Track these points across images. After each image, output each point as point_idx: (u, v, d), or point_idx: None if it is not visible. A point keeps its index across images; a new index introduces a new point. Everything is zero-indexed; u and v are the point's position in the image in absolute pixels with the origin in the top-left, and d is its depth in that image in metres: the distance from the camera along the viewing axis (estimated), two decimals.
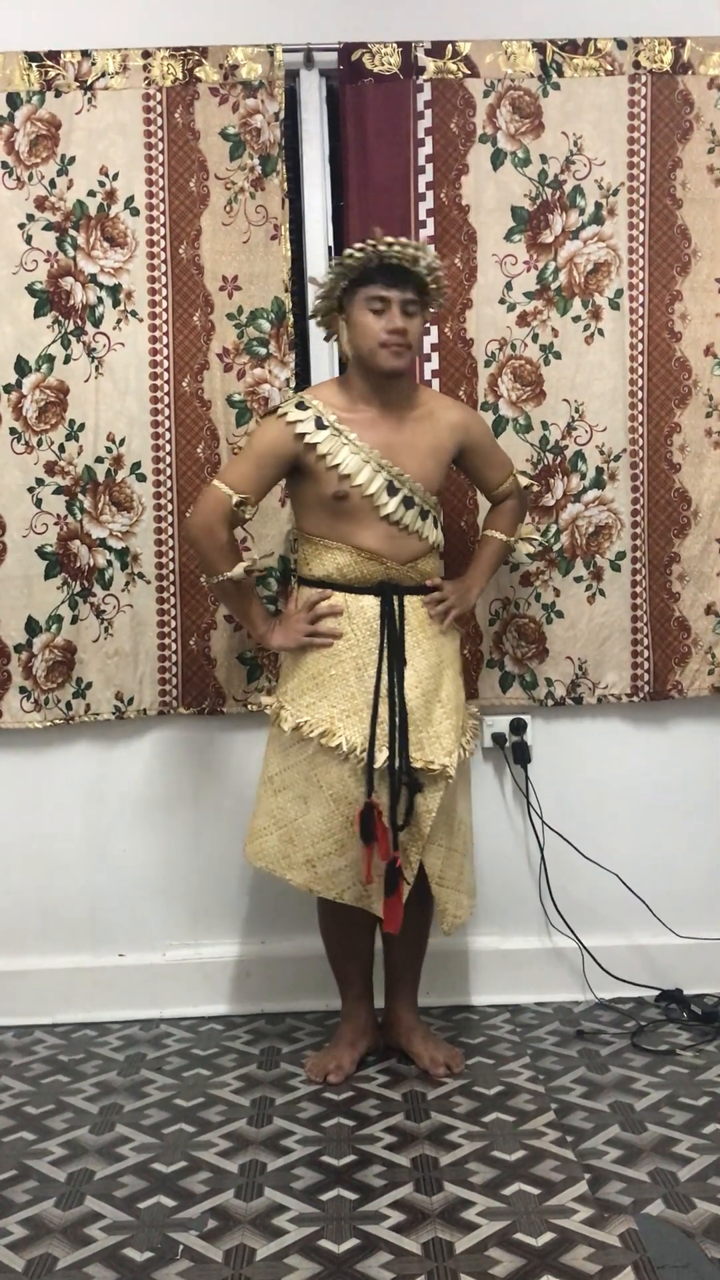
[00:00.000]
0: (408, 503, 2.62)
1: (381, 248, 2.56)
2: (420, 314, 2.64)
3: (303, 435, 2.60)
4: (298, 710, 2.62)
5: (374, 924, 2.77)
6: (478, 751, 3.13)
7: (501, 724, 3.15)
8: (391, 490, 2.61)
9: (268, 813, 2.69)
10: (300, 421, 2.61)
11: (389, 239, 2.57)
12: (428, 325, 2.86)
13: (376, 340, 2.57)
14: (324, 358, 3.13)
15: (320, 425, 2.60)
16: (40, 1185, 2.30)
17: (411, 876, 2.59)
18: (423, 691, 2.60)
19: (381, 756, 2.54)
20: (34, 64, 2.99)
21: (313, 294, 2.78)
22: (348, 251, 2.60)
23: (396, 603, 2.62)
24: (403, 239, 2.60)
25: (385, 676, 2.57)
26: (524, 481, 2.90)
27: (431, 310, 2.76)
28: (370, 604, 2.62)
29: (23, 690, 3.07)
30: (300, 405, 2.64)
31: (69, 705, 3.09)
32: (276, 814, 2.67)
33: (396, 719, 2.55)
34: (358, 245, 2.59)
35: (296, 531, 2.78)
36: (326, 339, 2.87)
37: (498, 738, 3.15)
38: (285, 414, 2.63)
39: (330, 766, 2.59)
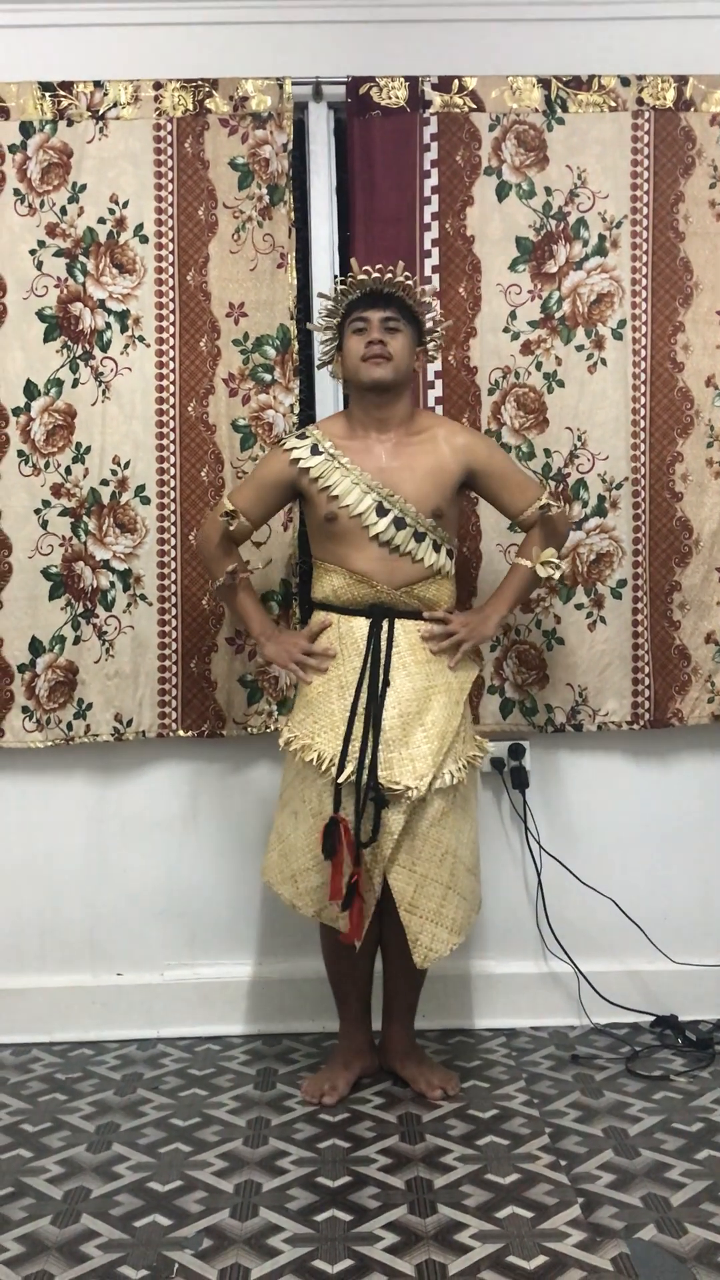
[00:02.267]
0: (399, 524, 2.65)
1: (360, 277, 2.70)
2: (405, 331, 2.71)
3: (297, 461, 2.70)
4: (290, 728, 2.71)
5: (373, 947, 2.78)
6: (477, 779, 3.14)
7: (500, 749, 3.17)
8: (381, 511, 2.65)
9: (275, 829, 2.77)
10: (297, 449, 2.72)
11: (365, 267, 2.72)
12: (433, 354, 2.89)
13: (359, 356, 2.67)
14: (328, 384, 3.17)
15: (315, 451, 2.70)
16: (37, 1203, 2.31)
17: (372, 895, 2.61)
18: (401, 713, 2.62)
19: (349, 770, 2.57)
20: (47, 93, 3.04)
21: (318, 342, 2.91)
22: (333, 288, 2.76)
23: (386, 625, 2.66)
24: (380, 265, 2.71)
25: (365, 695, 2.61)
26: (540, 504, 2.76)
27: (430, 341, 2.82)
28: (360, 625, 2.68)
29: (25, 710, 3.10)
30: (301, 435, 2.76)
31: (69, 726, 3.11)
32: (279, 830, 2.75)
33: (368, 736, 2.58)
34: (337, 279, 2.76)
35: (305, 557, 2.84)
36: (343, 384, 2.91)
37: (496, 762, 3.17)
38: (284, 443, 2.76)
39: (311, 782, 2.65)
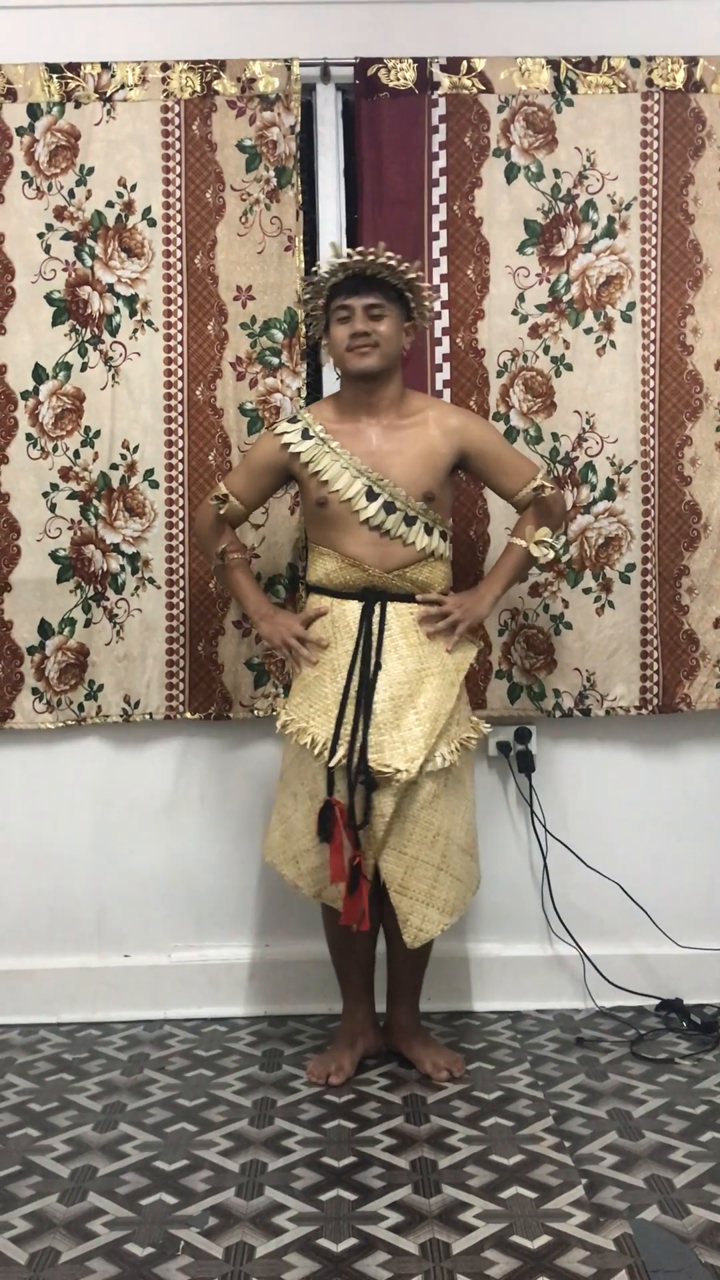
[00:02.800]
0: (389, 508, 2.65)
1: (342, 258, 2.66)
2: (390, 313, 2.68)
3: (288, 445, 2.71)
4: (287, 710, 2.72)
5: (375, 926, 2.79)
6: (482, 763, 3.15)
7: (506, 733, 3.17)
8: (371, 495, 2.65)
9: (276, 809, 2.79)
10: (287, 433, 2.72)
11: (346, 250, 2.69)
12: (439, 336, 2.89)
13: (343, 346, 2.67)
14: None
15: (306, 436, 2.71)
16: (44, 1181, 2.32)
17: (371, 876, 2.63)
18: (392, 696, 2.62)
19: (340, 753, 2.58)
20: (54, 75, 3.04)
21: (304, 324, 2.89)
22: (313, 270, 2.74)
23: (379, 609, 2.67)
24: (361, 248, 2.68)
25: (357, 679, 2.63)
26: (533, 485, 2.75)
27: (422, 317, 2.77)
28: (353, 609, 2.69)
29: (35, 691, 3.11)
30: (292, 419, 2.77)
31: (81, 707, 3.12)
32: (280, 810, 2.77)
33: (359, 719, 2.59)
34: (318, 264, 2.74)
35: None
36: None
37: (502, 746, 3.17)
38: (276, 427, 2.77)
39: (308, 764, 2.67)
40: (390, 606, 2.68)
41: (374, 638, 2.65)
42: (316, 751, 2.61)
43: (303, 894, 2.74)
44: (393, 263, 2.65)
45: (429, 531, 2.70)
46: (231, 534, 2.85)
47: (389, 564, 2.68)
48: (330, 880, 2.62)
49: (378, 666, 2.63)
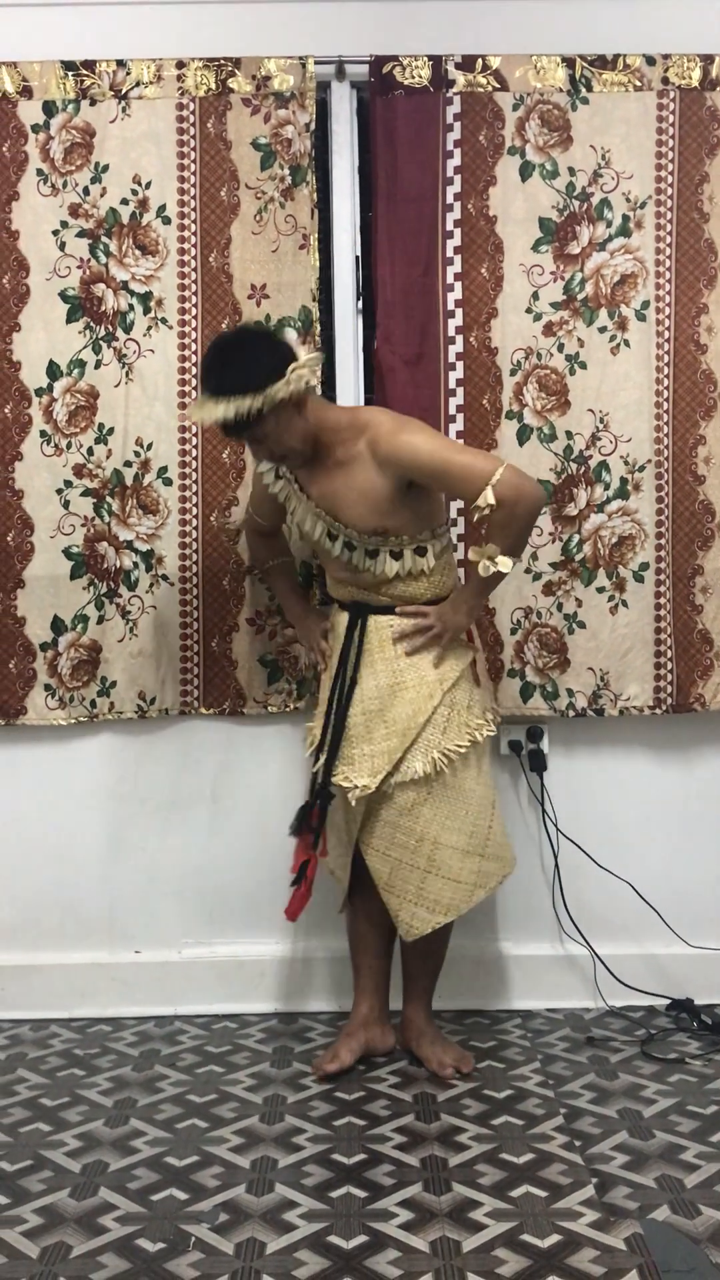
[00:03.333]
0: (349, 545, 2.69)
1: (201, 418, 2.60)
2: (269, 428, 2.53)
3: (268, 485, 2.83)
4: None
5: (388, 922, 2.80)
6: (492, 760, 3.14)
7: (518, 732, 3.17)
8: (331, 536, 2.71)
9: None
10: (265, 471, 2.83)
11: (199, 413, 2.56)
12: (453, 335, 2.91)
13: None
14: (349, 366, 3.16)
15: (278, 475, 2.81)
16: (55, 1175, 2.33)
17: (341, 877, 2.85)
18: (364, 710, 2.69)
19: (318, 763, 2.75)
20: (70, 73, 3.04)
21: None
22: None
23: (360, 623, 2.73)
24: (197, 403, 2.57)
25: (336, 693, 2.74)
26: (480, 505, 2.52)
27: (297, 369, 2.55)
28: (343, 621, 2.78)
29: (48, 688, 3.12)
30: None
31: (93, 703, 3.13)
32: None
33: (326, 732, 2.74)
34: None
35: None
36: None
37: (514, 745, 3.17)
38: (260, 464, 2.83)
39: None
40: (371, 620, 2.73)
41: (352, 652, 2.73)
42: (307, 754, 2.79)
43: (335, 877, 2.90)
44: (232, 416, 2.48)
45: (397, 556, 2.67)
46: (270, 542, 2.99)
47: (365, 583, 2.74)
48: (291, 870, 2.77)
49: (354, 681, 2.71)
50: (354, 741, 2.69)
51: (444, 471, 2.57)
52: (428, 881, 2.68)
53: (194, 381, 3.08)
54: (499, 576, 2.62)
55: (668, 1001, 3.14)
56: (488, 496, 2.51)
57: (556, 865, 3.18)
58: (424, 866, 2.68)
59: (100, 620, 3.12)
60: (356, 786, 2.65)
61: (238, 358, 2.54)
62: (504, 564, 2.57)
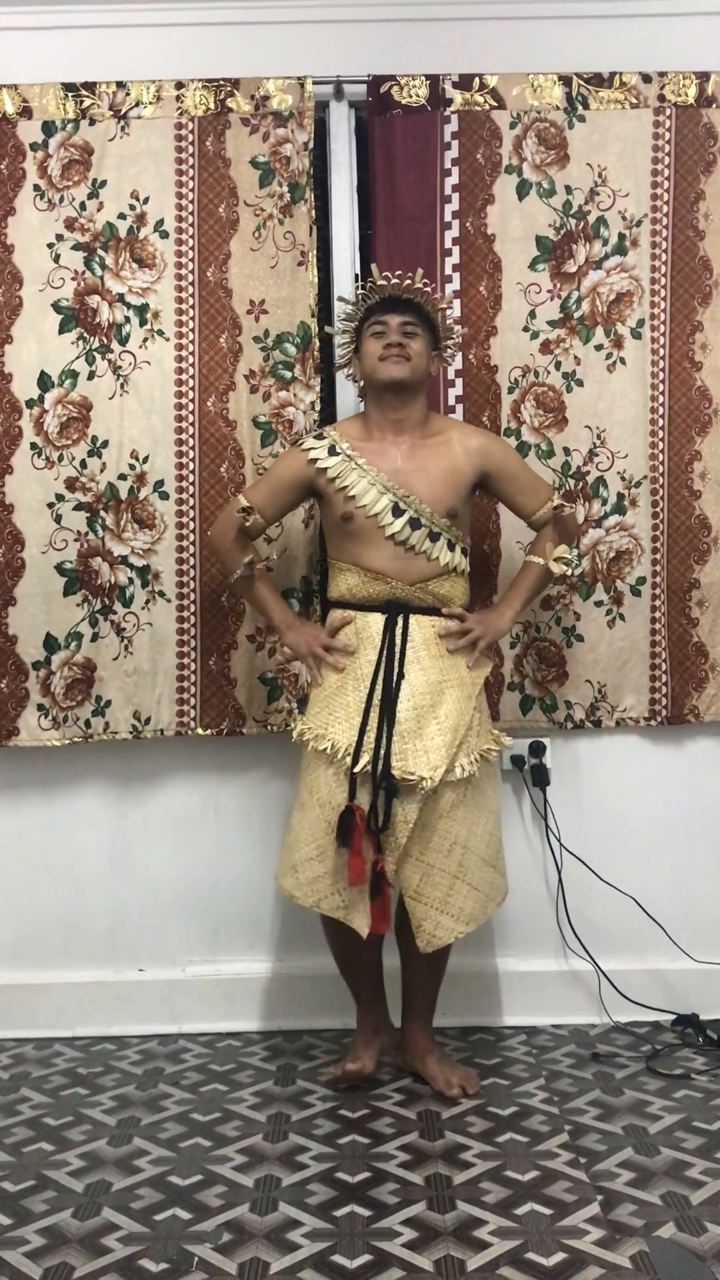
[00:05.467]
0: (414, 524, 2.70)
1: (380, 282, 2.76)
2: (422, 335, 2.77)
3: (315, 461, 2.76)
4: (304, 720, 2.77)
5: (379, 936, 2.78)
6: (497, 777, 3.14)
7: (521, 747, 3.17)
8: (397, 511, 2.70)
9: (286, 828, 2.81)
10: (314, 449, 2.77)
11: (385, 274, 2.80)
12: (448, 359, 2.93)
13: (376, 357, 2.73)
14: (348, 382, 3.17)
15: (333, 452, 2.75)
16: (58, 1195, 2.32)
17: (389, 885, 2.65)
18: (415, 705, 2.65)
19: (364, 760, 2.61)
20: (70, 94, 3.06)
21: (338, 345, 2.94)
22: (354, 292, 2.86)
23: (401, 620, 2.71)
24: (399, 273, 2.77)
25: (380, 687, 2.66)
26: (553, 504, 2.84)
27: (446, 347, 2.88)
28: (375, 621, 2.73)
29: (40, 708, 3.10)
30: (318, 436, 2.81)
31: (88, 723, 3.11)
32: (289, 826, 2.80)
33: (383, 727, 2.62)
34: (357, 284, 2.87)
35: (325, 556, 2.91)
36: (360, 395, 2.97)
37: (517, 760, 3.17)
38: (302, 443, 2.82)
39: (320, 772, 2.69)
40: (413, 619, 2.72)
41: (397, 648, 2.69)
42: (339, 757, 2.64)
43: (299, 904, 2.73)
44: (427, 289, 2.78)
45: (451, 548, 2.75)
46: (252, 546, 2.88)
47: (411, 577, 2.72)
48: (349, 883, 2.61)
49: (401, 676, 2.66)
50: (405, 736, 2.63)
51: (523, 473, 2.87)
52: (455, 888, 2.66)
53: (191, 394, 3.08)
54: (548, 582, 2.88)
55: (673, 1017, 3.13)
56: (561, 501, 2.86)
57: (560, 880, 3.17)
58: (454, 871, 2.66)
59: (94, 638, 3.10)
60: (424, 779, 2.59)
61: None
62: (573, 563, 2.92)
